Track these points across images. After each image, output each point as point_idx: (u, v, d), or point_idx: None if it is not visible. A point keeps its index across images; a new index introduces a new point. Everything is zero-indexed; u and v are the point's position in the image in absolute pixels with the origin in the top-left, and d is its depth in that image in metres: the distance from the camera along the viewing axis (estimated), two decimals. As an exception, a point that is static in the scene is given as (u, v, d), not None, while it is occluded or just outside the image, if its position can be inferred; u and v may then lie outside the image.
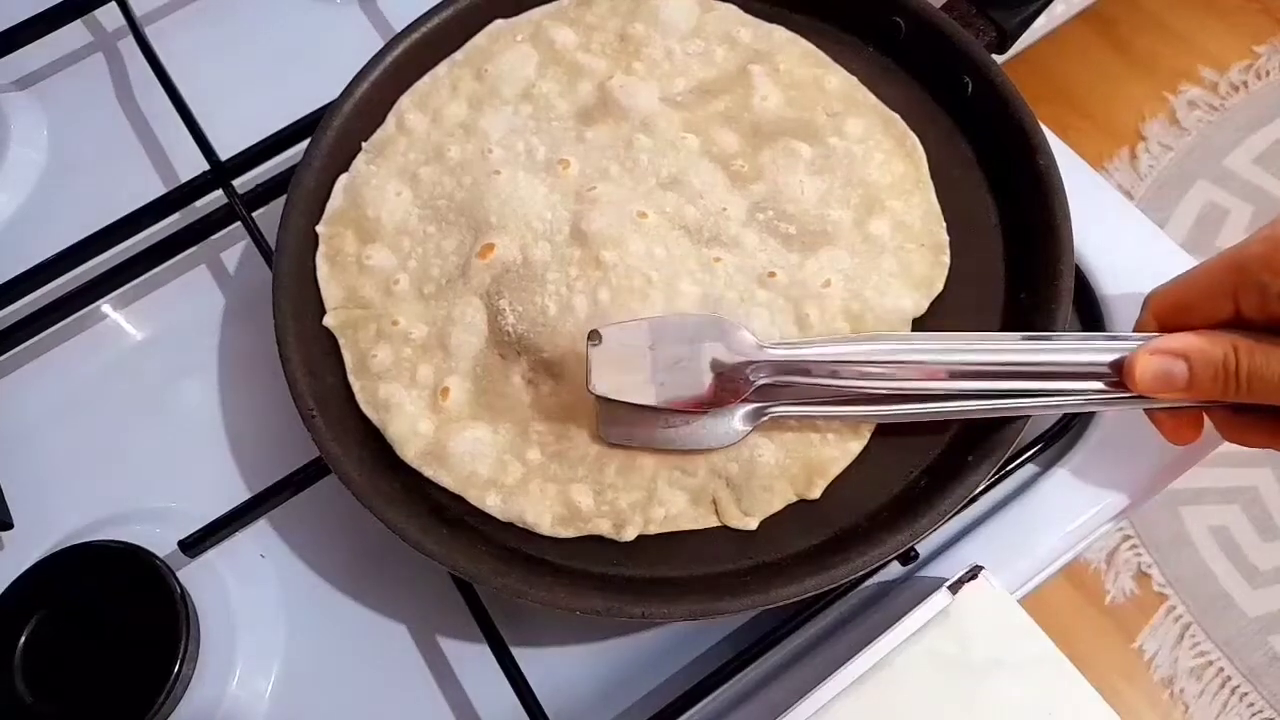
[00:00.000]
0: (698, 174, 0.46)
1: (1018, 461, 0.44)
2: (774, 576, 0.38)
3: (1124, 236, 0.49)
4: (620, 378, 0.38)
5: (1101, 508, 0.44)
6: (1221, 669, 1.17)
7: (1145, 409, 0.39)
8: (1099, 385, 0.37)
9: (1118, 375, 0.37)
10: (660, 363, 0.38)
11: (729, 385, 0.38)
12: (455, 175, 0.47)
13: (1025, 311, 0.43)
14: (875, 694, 0.36)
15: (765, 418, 0.40)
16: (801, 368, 0.38)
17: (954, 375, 0.38)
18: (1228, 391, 0.36)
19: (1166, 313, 0.39)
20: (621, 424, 0.41)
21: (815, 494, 0.41)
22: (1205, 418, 0.39)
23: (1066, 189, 0.43)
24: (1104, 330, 0.47)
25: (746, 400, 0.39)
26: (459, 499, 0.42)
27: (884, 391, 0.39)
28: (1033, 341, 0.38)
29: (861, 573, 0.38)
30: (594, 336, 0.39)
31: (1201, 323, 0.37)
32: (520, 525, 0.41)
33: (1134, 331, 0.39)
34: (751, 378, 0.38)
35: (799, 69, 0.49)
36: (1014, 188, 0.45)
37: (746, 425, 0.40)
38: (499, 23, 0.52)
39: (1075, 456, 0.45)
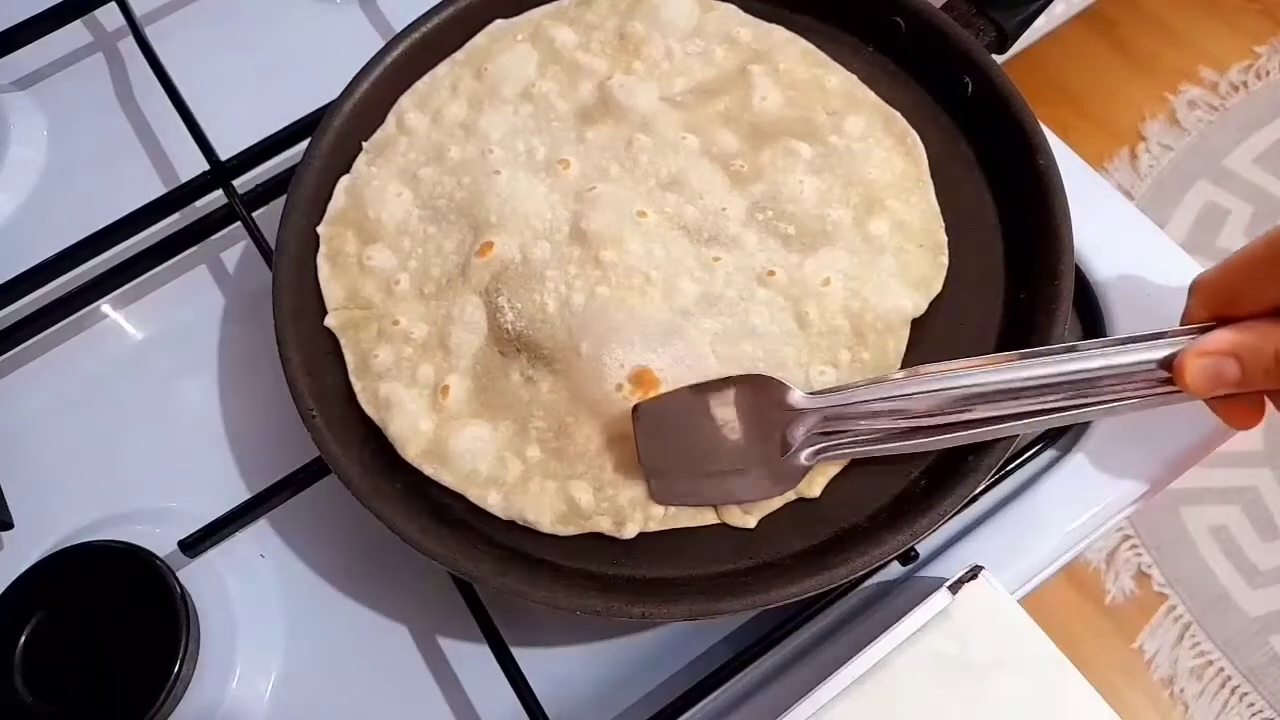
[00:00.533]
0: (698, 174, 0.46)
1: (1018, 461, 0.44)
2: (774, 576, 0.38)
3: (1124, 236, 0.49)
4: (669, 460, 0.39)
5: (1101, 507, 0.44)
6: (1221, 669, 1.17)
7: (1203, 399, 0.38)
8: (1151, 384, 0.37)
9: (1169, 372, 0.36)
10: (708, 431, 0.39)
11: (777, 440, 0.38)
12: (455, 175, 0.47)
13: (1025, 311, 0.43)
14: (875, 694, 0.36)
15: (822, 457, 0.39)
16: (848, 414, 0.38)
17: (1004, 397, 0.37)
18: None
19: (1214, 300, 0.38)
20: (675, 484, 0.40)
21: (815, 492, 0.41)
22: (1267, 400, 0.38)
23: (1066, 189, 0.43)
24: (1105, 332, 0.47)
25: (801, 448, 0.39)
26: (459, 499, 0.42)
27: (937, 423, 0.38)
28: (1077, 353, 0.37)
29: (861, 573, 0.38)
30: (638, 412, 0.39)
31: (1251, 308, 0.36)
32: (521, 523, 0.41)
33: (1182, 322, 0.39)
34: (800, 430, 0.38)
35: (799, 69, 0.49)
36: (1014, 188, 0.45)
37: (800, 467, 0.39)
38: (499, 23, 0.52)
39: (1075, 456, 0.45)
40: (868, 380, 0.39)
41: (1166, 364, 0.36)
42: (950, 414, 0.37)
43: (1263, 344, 0.35)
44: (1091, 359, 0.36)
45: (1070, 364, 0.37)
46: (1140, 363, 0.36)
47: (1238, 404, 0.38)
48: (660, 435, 0.39)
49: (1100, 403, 0.37)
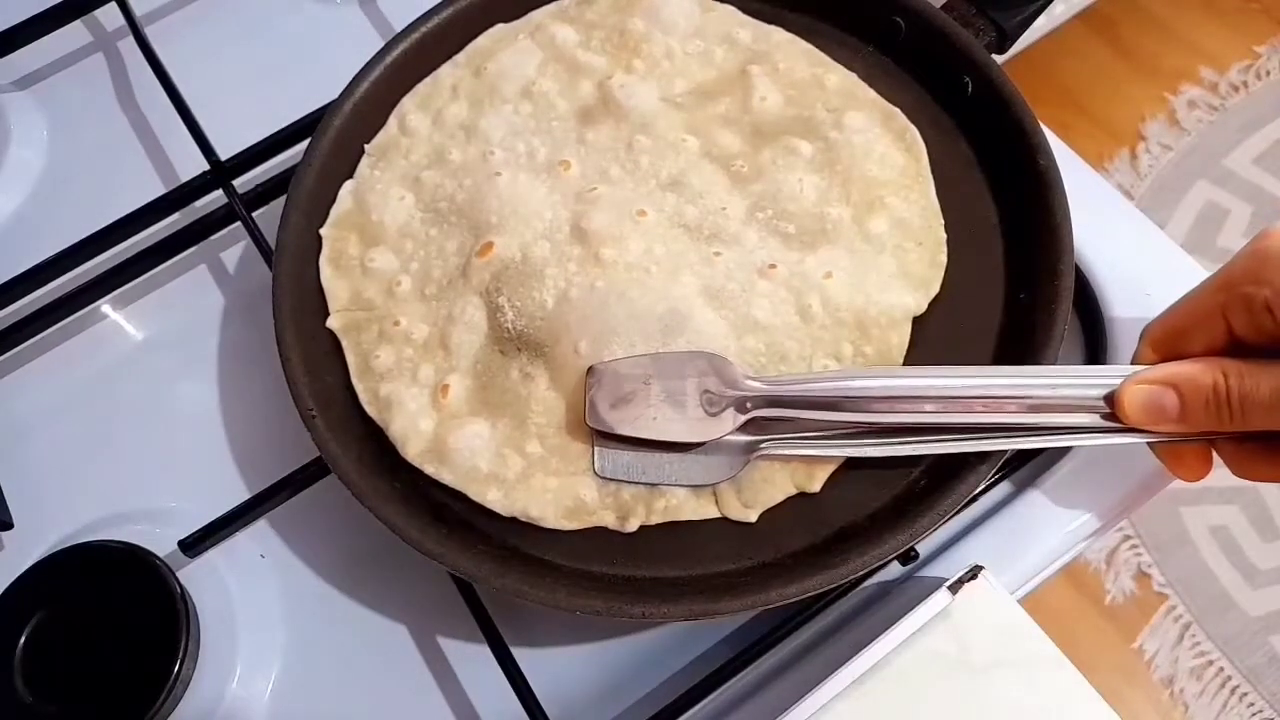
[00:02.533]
0: (698, 174, 0.46)
1: (1018, 461, 0.44)
2: (774, 576, 0.38)
3: (1124, 236, 0.49)
4: (615, 413, 0.39)
5: (1101, 508, 0.44)
6: (1221, 669, 1.17)
7: (1148, 443, 0.38)
8: (1094, 419, 0.37)
9: (1111, 408, 0.37)
10: (655, 397, 0.39)
11: (719, 417, 0.39)
12: (457, 178, 0.47)
13: (1025, 311, 0.43)
14: (875, 694, 0.36)
15: (757, 453, 0.40)
16: (789, 400, 0.39)
17: (952, 407, 0.37)
18: (1223, 420, 0.35)
19: (1163, 341, 0.38)
20: (618, 458, 0.41)
21: (815, 486, 0.41)
22: (1214, 451, 0.38)
23: (1066, 189, 0.43)
24: (1105, 333, 0.47)
25: (741, 432, 0.39)
26: (460, 498, 0.42)
27: (876, 425, 0.38)
28: (1025, 375, 0.38)
29: (861, 572, 0.38)
30: (592, 372, 0.40)
31: (1199, 350, 0.36)
32: (524, 519, 0.41)
33: (1132, 363, 0.39)
34: (740, 410, 0.39)
35: (798, 68, 0.49)
36: (1014, 188, 0.45)
37: (740, 458, 0.40)
38: (500, 26, 0.52)
39: (1075, 457, 0.45)
40: (813, 374, 0.39)
41: (1110, 399, 0.36)
42: (899, 414, 0.38)
43: (1201, 376, 0.35)
44: (1037, 380, 0.37)
45: (1017, 379, 0.37)
46: (1084, 397, 0.37)
47: (1184, 452, 0.38)
48: (610, 398, 0.40)
49: (1049, 430, 0.37)
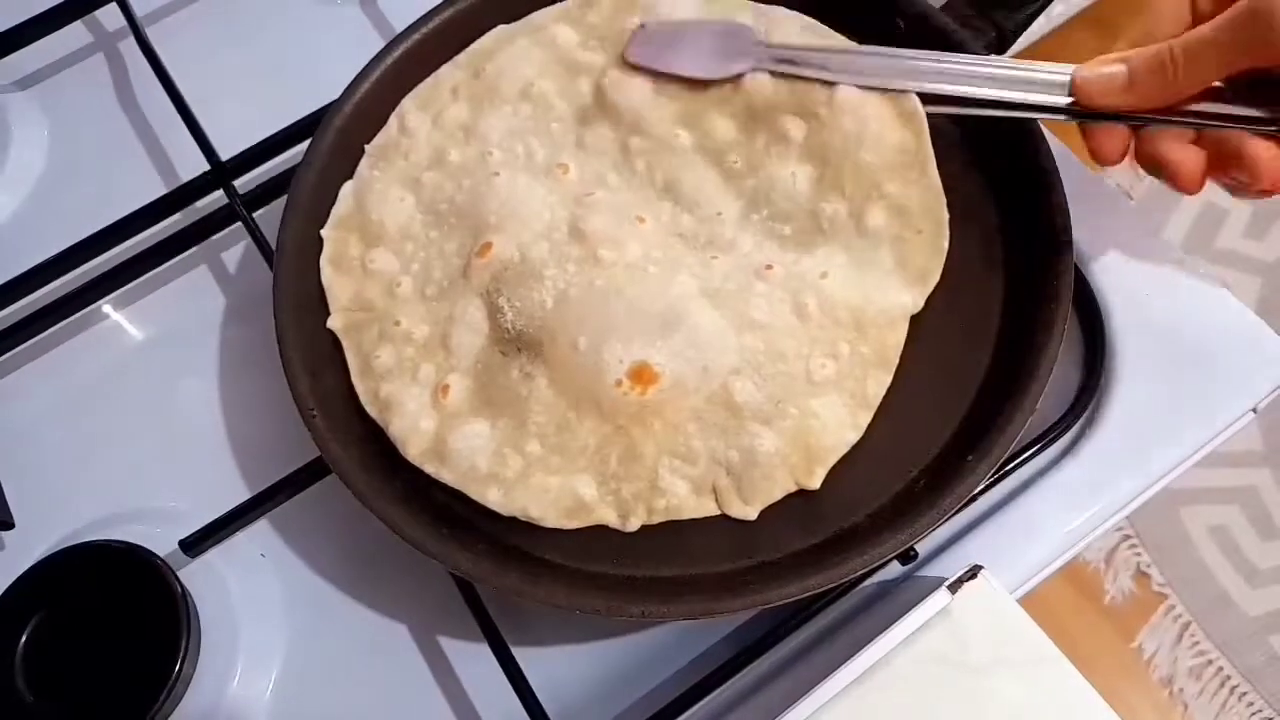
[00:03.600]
0: (692, 175, 0.46)
1: (1017, 461, 0.44)
2: (773, 576, 0.38)
3: (1124, 236, 0.49)
4: (657, 50, 0.48)
5: (1101, 507, 0.44)
6: (1221, 669, 1.17)
7: (1081, 124, 0.41)
8: (1055, 99, 0.41)
9: (1070, 92, 0.40)
10: (687, 41, 0.48)
11: (735, 62, 0.47)
12: (456, 179, 0.47)
13: (1025, 311, 0.43)
14: (874, 694, 0.36)
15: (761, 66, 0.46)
16: (798, 60, 0.46)
17: (935, 77, 0.43)
18: (1166, 82, 0.38)
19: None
20: (649, 47, 0.48)
21: (815, 483, 0.41)
22: (1131, 137, 0.41)
23: (1066, 189, 0.44)
24: (1106, 334, 0.47)
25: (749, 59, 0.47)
26: (460, 498, 0.42)
27: (874, 84, 0.44)
28: (996, 61, 0.43)
29: (861, 572, 0.39)
30: (641, 28, 0.49)
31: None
32: (524, 519, 0.41)
33: None
34: (755, 55, 0.47)
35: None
36: (1014, 188, 0.45)
37: (749, 65, 0.46)
38: (501, 28, 0.52)
39: (1075, 456, 0.45)
40: (822, 44, 0.47)
41: (1069, 85, 0.41)
42: (876, 78, 0.44)
43: (1149, 50, 0.38)
44: (1006, 64, 0.43)
45: (990, 63, 0.43)
46: (1048, 79, 0.41)
47: (1107, 133, 0.41)
48: (649, 42, 0.48)
49: (1014, 106, 0.42)
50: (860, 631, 0.42)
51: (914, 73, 0.44)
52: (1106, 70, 0.39)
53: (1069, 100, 0.40)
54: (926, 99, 0.44)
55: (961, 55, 0.44)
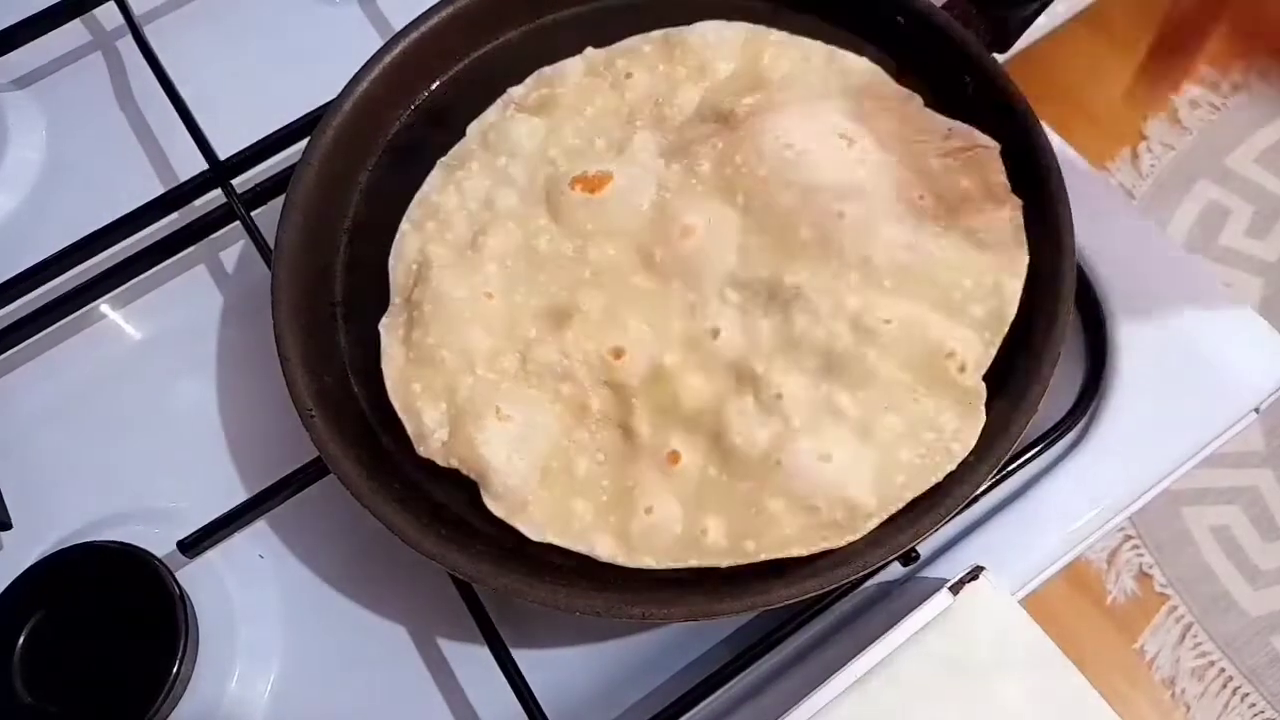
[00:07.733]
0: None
1: (1019, 462, 0.44)
2: (774, 577, 0.38)
3: (1125, 236, 0.49)
4: None
5: (1103, 508, 0.44)
6: (1223, 669, 1.16)
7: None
8: None
9: None
10: None
11: None
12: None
13: (1026, 311, 0.42)
14: (876, 695, 0.36)
15: None
16: None
17: None
18: None
19: None
20: None
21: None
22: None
23: (1067, 189, 0.43)
24: (1107, 334, 0.47)
25: None
26: (459, 499, 0.42)
27: None
28: None
29: (862, 573, 0.38)
30: None
31: None
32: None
33: None
34: None
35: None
36: (1014, 188, 0.45)
37: None
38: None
39: (1076, 457, 0.45)
40: None
41: None
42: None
43: None
44: None
45: None
46: None
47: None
48: None
49: None
50: (862, 633, 0.42)
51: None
52: None
53: None
54: None
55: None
